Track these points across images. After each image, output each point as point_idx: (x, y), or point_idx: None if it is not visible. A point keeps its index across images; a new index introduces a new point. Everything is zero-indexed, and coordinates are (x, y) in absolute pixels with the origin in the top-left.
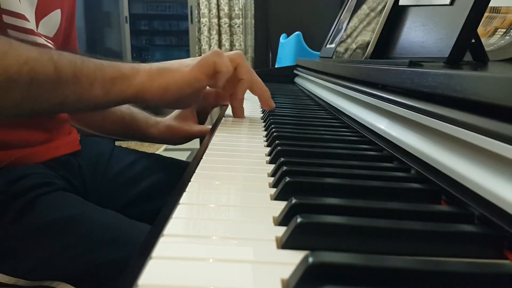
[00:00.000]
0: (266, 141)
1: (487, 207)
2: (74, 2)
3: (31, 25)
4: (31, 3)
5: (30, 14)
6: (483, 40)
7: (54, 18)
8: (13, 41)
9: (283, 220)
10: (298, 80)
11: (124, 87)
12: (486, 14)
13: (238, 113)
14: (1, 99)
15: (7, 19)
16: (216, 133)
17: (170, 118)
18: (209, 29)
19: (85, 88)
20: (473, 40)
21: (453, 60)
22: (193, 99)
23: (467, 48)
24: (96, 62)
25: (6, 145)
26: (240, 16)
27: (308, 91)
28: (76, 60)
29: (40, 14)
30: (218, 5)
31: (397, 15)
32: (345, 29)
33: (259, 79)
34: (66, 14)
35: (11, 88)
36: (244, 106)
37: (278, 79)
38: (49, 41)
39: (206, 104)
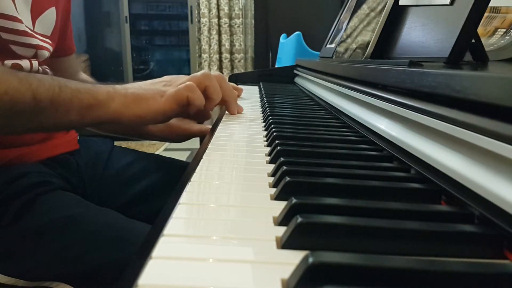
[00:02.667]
0: (266, 141)
1: (487, 207)
2: (69, 0)
3: (24, 26)
4: (26, 2)
5: (26, 14)
6: (483, 40)
7: (50, 16)
8: None
9: (283, 220)
10: (298, 80)
11: (100, 113)
12: (486, 14)
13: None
14: None
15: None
16: (216, 133)
17: None
18: (209, 29)
19: (62, 115)
20: (473, 40)
21: (453, 60)
22: (167, 121)
23: (467, 48)
24: (73, 89)
25: (3, 144)
26: (240, 16)
27: (308, 91)
28: (55, 87)
29: (36, 12)
30: (218, 5)
31: (397, 15)
32: (345, 29)
33: (229, 89)
34: (61, 12)
35: None
36: (244, 106)
37: (278, 79)
38: (47, 40)
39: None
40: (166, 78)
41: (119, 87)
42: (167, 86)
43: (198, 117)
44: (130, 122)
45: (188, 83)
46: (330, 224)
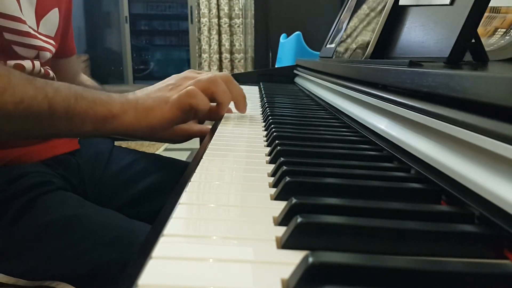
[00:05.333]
0: (266, 141)
1: (487, 207)
2: (71, 1)
3: (27, 27)
4: (31, 2)
5: (30, 14)
6: (483, 40)
7: (53, 17)
8: (12, 77)
9: (283, 220)
10: (298, 80)
11: (114, 126)
12: (486, 14)
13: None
14: (0, 129)
15: (2, 22)
16: (216, 133)
17: None
18: (209, 29)
19: (77, 125)
20: (473, 40)
21: (453, 60)
22: (179, 124)
23: (467, 48)
24: (89, 100)
25: (4, 144)
26: (240, 16)
27: (308, 91)
28: (71, 98)
29: (40, 13)
30: (218, 5)
31: (397, 15)
32: (345, 29)
33: (237, 90)
34: (63, 13)
35: (8, 121)
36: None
37: (278, 79)
38: (51, 40)
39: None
40: (173, 79)
41: (131, 97)
42: (172, 90)
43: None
44: (142, 134)
45: (189, 88)
46: (330, 224)
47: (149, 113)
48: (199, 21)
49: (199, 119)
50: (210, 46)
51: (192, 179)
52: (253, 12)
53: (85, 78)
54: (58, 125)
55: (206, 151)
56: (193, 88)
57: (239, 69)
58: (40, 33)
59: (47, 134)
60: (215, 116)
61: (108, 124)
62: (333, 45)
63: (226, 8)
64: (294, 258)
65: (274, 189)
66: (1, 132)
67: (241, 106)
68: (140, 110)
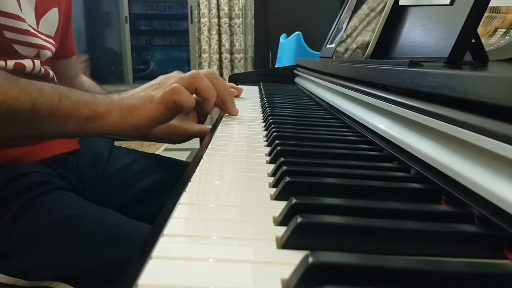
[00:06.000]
0: (266, 141)
1: (487, 207)
2: (70, 1)
3: (27, 25)
4: (30, 1)
5: (30, 13)
6: (483, 40)
7: (53, 16)
8: None
9: (283, 220)
10: (298, 80)
11: (98, 125)
12: (486, 14)
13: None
14: None
15: (2, 20)
16: (216, 133)
17: None
18: (209, 29)
19: (60, 125)
20: (473, 40)
21: (453, 60)
22: (164, 123)
23: (467, 48)
24: (73, 100)
25: (3, 144)
26: (240, 16)
27: (308, 91)
28: (54, 97)
29: (39, 12)
30: (218, 5)
31: (397, 15)
32: (345, 29)
33: (222, 86)
34: (63, 13)
35: None
36: (244, 106)
37: (278, 79)
38: (51, 40)
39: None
40: (158, 80)
41: (116, 98)
42: (157, 89)
43: (199, 117)
44: (126, 133)
45: (173, 85)
46: (330, 224)
47: (133, 112)
48: (199, 21)
49: (186, 114)
50: (210, 46)
51: (192, 179)
52: (253, 12)
53: (85, 79)
54: (42, 125)
55: (206, 151)
56: (177, 85)
57: (239, 69)
58: (40, 32)
59: (30, 135)
60: (204, 113)
61: (92, 124)
62: (333, 45)
63: (226, 8)
64: (294, 258)
65: (274, 189)
66: None
67: (229, 104)
68: (125, 110)
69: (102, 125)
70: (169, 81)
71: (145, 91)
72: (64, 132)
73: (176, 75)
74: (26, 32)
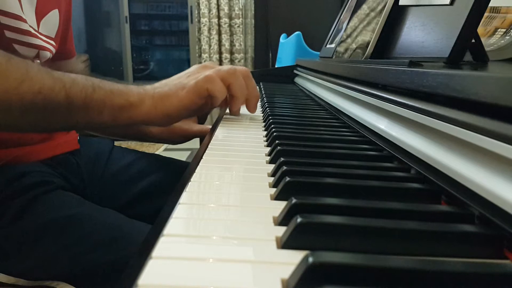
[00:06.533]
0: (266, 141)
1: (487, 207)
2: (70, 3)
3: (28, 26)
4: (31, 3)
5: (31, 14)
6: (483, 40)
7: (53, 17)
8: (30, 68)
9: (283, 220)
10: (298, 80)
11: (131, 114)
12: (486, 14)
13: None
14: (19, 121)
15: (3, 20)
16: (216, 133)
17: None
18: (209, 29)
19: (95, 115)
20: (473, 40)
21: (453, 60)
22: (194, 114)
23: (467, 48)
24: (106, 90)
25: (4, 143)
26: (240, 16)
27: (308, 91)
28: (88, 88)
29: (40, 13)
30: (218, 5)
31: (397, 15)
32: (345, 29)
33: (253, 88)
34: (63, 15)
35: (26, 112)
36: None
37: (278, 79)
38: (51, 41)
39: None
40: (192, 68)
41: (149, 87)
42: (190, 77)
43: (199, 117)
44: (159, 122)
45: (208, 73)
46: (330, 224)
47: (165, 100)
48: (199, 21)
49: (214, 107)
50: (210, 46)
51: (192, 179)
52: (253, 12)
53: None
54: (76, 115)
55: (206, 151)
56: (212, 74)
57: None
58: (40, 33)
59: (65, 125)
60: (231, 112)
61: (126, 113)
62: (333, 45)
63: (226, 8)
64: (294, 258)
65: (274, 189)
66: (20, 124)
67: (253, 105)
68: (157, 98)
69: (135, 113)
70: (204, 71)
71: (178, 79)
72: (98, 122)
73: (212, 65)
74: (26, 33)
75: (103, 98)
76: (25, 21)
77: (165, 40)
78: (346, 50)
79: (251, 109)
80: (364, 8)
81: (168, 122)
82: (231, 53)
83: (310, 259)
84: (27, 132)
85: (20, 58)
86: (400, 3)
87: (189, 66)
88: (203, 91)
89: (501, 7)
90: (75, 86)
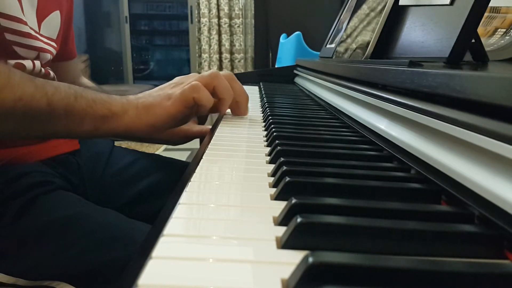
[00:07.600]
0: (266, 141)
1: (487, 207)
2: (72, 5)
3: (28, 28)
4: (32, 4)
5: (32, 16)
6: (483, 40)
7: (54, 19)
8: (12, 75)
9: (283, 220)
10: (298, 80)
11: (114, 125)
12: (486, 14)
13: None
14: None
15: (3, 22)
16: (216, 133)
17: None
18: (209, 29)
19: (76, 124)
20: (473, 40)
21: (453, 60)
22: (180, 124)
23: (467, 48)
24: (88, 99)
25: (4, 143)
26: (240, 16)
27: (308, 91)
28: (70, 96)
29: (41, 15)
30: (218, 5)
31: (397, 15)
32: (345, 29)
33: (240, 89)
34: (65, 16)
35: (6, 119)
36: None
37: (278, 79)
38: (52, 43)
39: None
40: (175, 80)
41: (132, 98)
42: (175, 88)
43: (199, 118)
44: (143, 133)
45: (193, 82)
46: (330, 224)
47: (150, 111)
48: (199, 21)
49: (202, 114)
50: (210, 46)
51: (192, 179)
52: (253, 12)
53: (86, 81)
54: (57, 123)
55: (206, 151)
56: (196, 83)
57: (239, 69)
58: (41, 35)
59: (45, 133)
60: (217, 113)
61: (108, 123)
62: (333, 45)
63: (226, 8)
64: (294, 258)
65: (274, 189)
66: (0, 130)
67: (243, 107)
68: (141, 108)
69: (117, 124)
70: (187, 80)
71: (162, 90)
72: (79, 132)
73: (194, 75)
74: (27, 35)
75: (85, 107)
76: (25, 23)
77: (165, 40)
78: (346, 50)
79: (242, 111)
80: (364, 8)
81: (151, 133)
82: (231, 53)
83: (310, 259)
84: (4, 139)
85: (3, 64)
86: (400, 3)
87: (189, 66)
88: (190, 100)
89: (501, 7)
90: (57, 94)
